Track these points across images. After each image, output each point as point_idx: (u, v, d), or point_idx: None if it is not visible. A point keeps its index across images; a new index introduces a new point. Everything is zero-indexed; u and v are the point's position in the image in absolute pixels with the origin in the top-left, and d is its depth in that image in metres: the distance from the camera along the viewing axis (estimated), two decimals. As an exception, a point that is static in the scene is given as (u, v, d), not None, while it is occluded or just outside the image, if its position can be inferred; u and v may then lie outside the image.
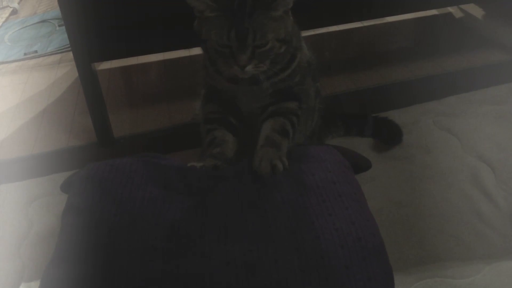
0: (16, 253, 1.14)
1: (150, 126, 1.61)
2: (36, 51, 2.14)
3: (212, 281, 0.79)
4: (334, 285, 0.79)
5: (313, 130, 1.27)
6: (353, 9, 1.51)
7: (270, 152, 0.99)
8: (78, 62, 1.37)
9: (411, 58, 1.89)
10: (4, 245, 1.17)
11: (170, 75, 1.96)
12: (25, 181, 1.37)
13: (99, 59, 1.52)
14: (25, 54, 2.13)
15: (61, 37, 2.22)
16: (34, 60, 2.10)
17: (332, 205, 0.89)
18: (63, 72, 1.98)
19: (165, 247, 0.83)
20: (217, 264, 0.81)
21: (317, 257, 0.81)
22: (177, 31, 1.35)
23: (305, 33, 1.08)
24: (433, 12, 2.19)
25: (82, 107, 1.65)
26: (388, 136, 1.42)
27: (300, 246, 0.82)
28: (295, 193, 0.92)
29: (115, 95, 1.79)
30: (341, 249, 0.82)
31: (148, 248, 0.83)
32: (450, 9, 2.21)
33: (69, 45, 1.36)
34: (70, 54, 1.40)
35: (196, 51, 1.05)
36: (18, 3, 2.70)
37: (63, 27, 1.59)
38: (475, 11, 2.17)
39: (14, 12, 2.63)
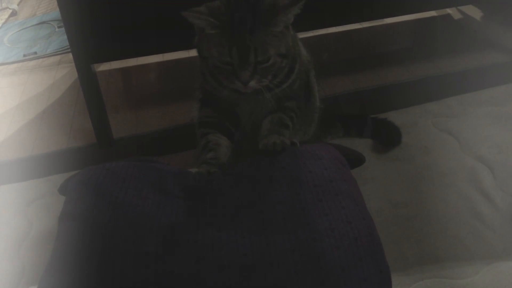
0: (15, 254, 1.14)
1: (149, 127, 1.61)
2: (35, 53, 2.14)
3: (207, 285, 0.79)
4: (330, 287, 0.79)
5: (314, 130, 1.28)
6: (352, 11, 1.51)
7: (274, 137, 1.01)
8: (77, 63, 1.37)
9: (410, 59, 1.90)
10: (3, 246, 1.17)
11: (169, 77, 1.96)
12: (25, 182, 1.37)
13: (98, 60, 1.52)
14: (24, 55, 2.13)
15: (60, 39, 2.22)
16: (33, 62, 2.10)
17: (328, 205, 0.89)
18: (62, 73, 1.98)
19: (160, 252, 0.82)
20: (212, 268, 0.80)
21: (313, 259, 0.81)
22: (176, 32, 1.35)
23: (305, 35, 1.09)
24: (432, 13, 2.20)
25: (81, 108, 1.65)
26: (388, 138, 1.42)
27: (296, 248, 0.82)
28: (291, 192, 0.91)
29: (114, 96, 1.79)
30: (337, 251, 0.81)
31: (143, 253, 0.82)
32: (448, 10, 2.22)
33: (68, 47, 1.37)
34: (70, 56, 1.41)
35: (195, 52, 1.05)
36: (18, 5, 2.70)
37: (63, 29, 1.59)
38: (474, 12, 2.18)
39: (14, 13, 2.63)
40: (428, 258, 1.07)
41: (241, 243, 0.83)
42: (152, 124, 1.62)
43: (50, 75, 1.98)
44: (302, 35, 1.12)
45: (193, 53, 1.06)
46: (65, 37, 1.34)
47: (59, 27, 2.36)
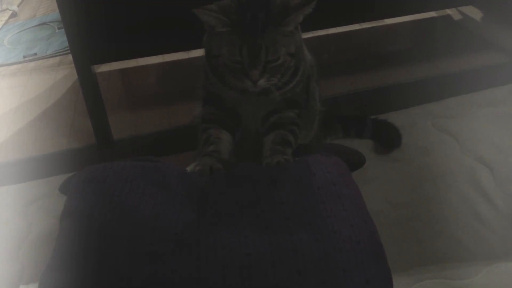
0: (15, 255, 1.14)
1: (149, 128, 1.61)
2: (35, 54, 2.14)
3: (209, 285, 0.79)
4: None
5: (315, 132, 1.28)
6: (352, 11, 1.52)
7: (278, 156, 1.02)
8: (77, 65, 1.37)
9: (409, 60, 1.90)
10: (3, 247, 1.17)
11: (169, 77, 1.96)
12: (24, 183, 1.37)
13: (98, 62, 1.52)
14: (24, 56, 2.13)
15: (60, 40, 2.22)
16: (33, 63, 2.10)
17: (331, 207, 0.89)
18: (62, 74, 1.99)
19: (161, 251, 0.83)
20: (214, 267, 0.80)
21: (315, 260, 0.81)
22: (176, 33, 1.35)
23: (305, 35, 1.09)
24: (432, 14, 2.20)
25: (81, 109, 1.65)
26: (388, 139, 1.42)
27: (298, 249, 0.82)
28: (294, 193, 0.91)
29: (114, 97, 1.79)
30: (339, 252, 0.81)
31: (145, 252, 0.82)
32: (448, 11, 2.22)
33: (68, 48, 1.37)
34: (70, 57, 1.41)
35: (195, 53, 1.06)
36: (18, 6, 2.70)
37: (63, 30, 1.59)
38: (474, 13, 2.18)
39: (14, 15, 2.63)
40: (428, 258, 1.07)
41: (243, 242, 0.83)
42: (152, 125, 1.62)
43: (50, 76, 1.98)
44: (303, 36, 1.12)
45: (192, 54, 1.06)
46: (65, 38, 1.34)
47: (59, 28, 2.36)
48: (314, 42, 2.02)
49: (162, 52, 1.61)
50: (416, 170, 1.32)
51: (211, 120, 1.11)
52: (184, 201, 0.93)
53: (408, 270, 1.04)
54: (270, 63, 0.96)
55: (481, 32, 2.07)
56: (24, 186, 1.36)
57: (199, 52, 1.12)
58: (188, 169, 1.03)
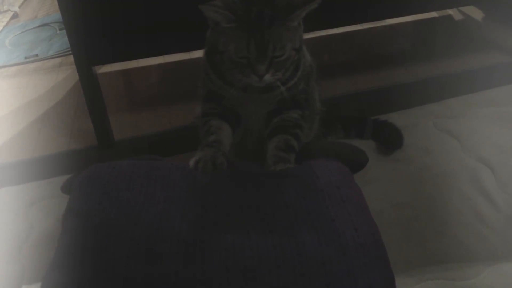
0: (16, 256, 1.14)
1: (150, 129, 1.61)
2: (36, 55, 2.15)
3: (212, 286, 0.79)
4: None
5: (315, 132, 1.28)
6: (353, 12, 1.52)
7: (280, 165, 1.02)
8: (78, 66, 1.38)
9: (410, 60, 1.90)
10: (4, 248, 1.17)
11: (170, 78, 1.96)
12: (26, 184, 1.37)
13: (99, 63, 1.53)
14: (25, 57, 2.13)
15: (61, 41, 2.23)
16: (34, 64, 2.10)
17: (335, 211, 0.89)
18: (63, 75, 1.99)
19: (165, 252, 0.82)
20: (217, 269, 0.80)
21: (319, 263, 0.80)
22: (177, 34, 1.35)
23: (305, 36, 1.09)
24: (433, 14, 2.20)
25: (82, 110, 1.65)
26: (389, 140, 1.42)
27: (302, 252, 0.82)
28: (298, 196, 0.91)
29: (115, 98, 1.79)
30: (343, 256, 0.81)
31: (148, 253, 0.82)
32: (449, 11, 2.22)
33: (69, 49, 1.37)
34: (71, 58, 1.41)
35: (196, 54, 1.06)
36: (19, 7, 2.71)
37: (64, 31, 1.59)
38: (475, 13, 2.18)
39: (15, 16, 2.64)
40: (429, 259, 1.07)
41: (247, 245, 0.83)
42: (153, 126, 1.62)
43: (51, 77, 1.98)
44: (303, 36, 1.12)
45: (193, 55, 1.06)
46: (66, 39, 1.34)
47: (60, 29, 2.36)
48: (315, 43, 2.02)
49: (163, 53, 1.61)
50: (417, 170, 1.32)
51: (212, 113, 1.11)
52: (188, 200, 0.92)
53: (409, 270, 1.04)
54: (276, 58, 0.97)
55: (482, 32, 2.07)
56: (26, 187, 1.36)
57: (200, 53, 1.12)
58: (191, 163, 1.02)
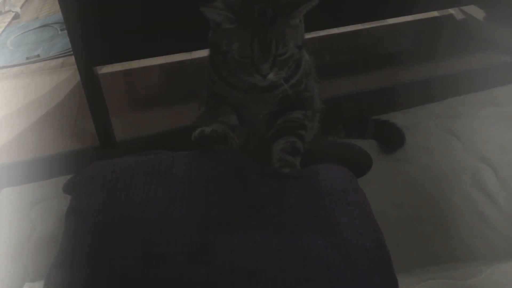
0: (18, 256, 1.15)
1: (152, 129, 1.61)
2: (38, 55, 2.15)
3: None
4: None
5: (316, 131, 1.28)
6: (354, 11, 1.51)
7: (287, 169, 1.02)
8: (80, 66, 1.38)
9: (412, 60, 1.89)
10: (7, 248, 1.17)
11: (172, 79, 1.96)
12: (28, 184, 1.37)
13: (100, 63, 1.53)
14: (27, 58, 2.14)
15: (63, 41, 2.23)
16: (36, 64, 2.10)
17: (340, 214, 0.88)
18: (65, 76, 1.99)
19: (169, 253, 0.82)
20: (222, 272, 0.80)
21: (323, 267, 0.80)
22: (179, 34, 1.35)
23: (307, 36, 1.09)
24: (434, 13, 2.19)
25: (84, 110, 1.66)
26: (391, 140, 1.42)
27: (307, 255, 0.81)
28: (304, 198, 0.91)
29: (117, 99, 1.80)
30: (347, 260, 0.81)
31: (153, 254, 0.82)
32: (451, 10, 2.21)
33: (71, 49, 1.37)
34: (72, 58, 1.41)
35: (198, 54, 1.05)
36: (20, 8, 2.71)
37: (65, 31, 1.59)
38: (476, 12, 2.17)
39: (16, 16, 2.64)
40: (431, 259, 1.07)
41: (252, 248, 0.83)
42: (154, 126, 1.62)
43: (53, 77, 1.98)
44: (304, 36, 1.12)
45: (195, 55, 1.06)
46: (68, 39, 1.35)
47: (61, 29, 2.36)
48: (316, 42, 2.02)
49: (164, 53, 1.61)
50: (418, 170, 1.32)
51: (217, 103, 1.10)
52: (191, 199, 0.92)
53: (411, 270, 1.04)
54: (279, 56, 0.97)
55: (483, 32, 2.07)
56: (28, 187, 1.36)
57: (201, 53, 1.12)
58: (196, 133, 0.99)
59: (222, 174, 0.97)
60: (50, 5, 2.73)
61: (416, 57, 1.91)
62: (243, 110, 1.11)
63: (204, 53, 1.12)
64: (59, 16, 2.45)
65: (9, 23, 2.56)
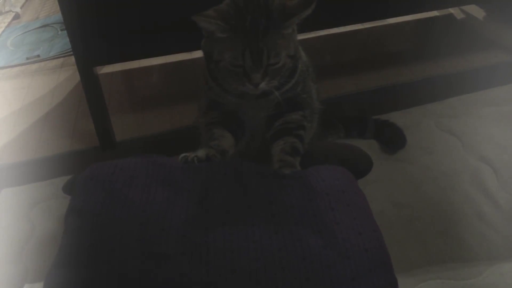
0: (18, 257, 1.15)
1: (152, 129, 1.61)
2: (38, 56, 2.15)
3: None
4: None
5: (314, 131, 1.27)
6: (354, 11, 1.51)
7: (287, 169, 1.01)
8: (79, 66, 1.38)
9: (412, 59, 1.89)
10: (6, 249, 1.17)
11: (172, 79, 1.96)
12: (28, 185, 1.37)
13: (100, 63, 1.53)
14: (27, 58, 2.14)
15: (63, 42, 2.23)
16: (36, 65, 2.10)
17: (340, 214, 0.88)
18: (65, 76, 1.99)
19: (168, 253, 0.82)
20: (221, 272, 0.80)
21: (323, 267, 0.80)
22: (178, 34, 1.35)
23: (306, 36, 1.09)
24: (434, 13, 2.19)
25: (84, 111, 1.66)
26: (392, 141, 1.41)
27: (307, 255, 0.81)
28: (304, 198, 0.91)
29: (117, 99, 1.80)
30: (347, 260, 0.81)
31: (153, 254, 0.82)
32: (451, 10, 2.21)
33: (71, 49, 1.37)
34: (72, 58, 1.41)
35: (198, 54, 1.05)
36: (21, 8, 2.71)
37: (65, 32, 1.59)
38: (476, 12, 2.17)
39: (17, 17, 2.64)
40: (431, 259, 1.07)
41: (252, 247, 0.83)
42: (154, 127, 1.62)
43: (53, 77, 1.98)
44: (304, 36, 1.12)
45: (195, 55, 1.06)
46: (68, 40, 1.35)
47: (61, 30, 2.36)
48: (316, 42, 2.02)
49: (164, 53, 1.61)
50: (419, 170, 1.32)
51: (215, 122, 1.11)
52: (191, 198, 0.92)
53: (411, 270, 1.04)
54: (271, 66, 0.96)
55: (484, 31, 2.06)
56: (27, 188, 1.36)
57: (201, 53, 1.12)
58: (181, 156, 1.01)
59: (222, 175, 0.97)
60: (50, 5, 2.73)
61: (416, 57, 1.91)
62: (242, 115, 1.11)
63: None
64: (59, 16, 2.45)
65: (9, 23, 2.56)
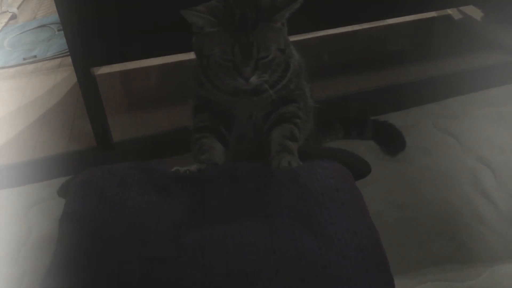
0: (15, 259, 1.14)
1: (149, 130, 1.61)
2: (35, 56, 2.14)
3: None
4: None
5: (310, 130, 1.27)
6: (352, 12, 1.51)
7: (287, 156, 1.02)
8: (76, 67, 1.37)
9: (410, 60, 1.89)
10: (3, 250, 1.16)
11: (169, 79, 1.96)
12: (25, 186, 1.37)
13: (97, 64, 1.52)
14: (24, 59, 2.13)
15: (60, 42, 2.22)
16: (33, 65, 2.10)
17: (335, 214, 0.88)
18: (62, 76, 1.98)
19: (164, 257, 0.82)
20: (219, 274, 0.80)
21: (319, 267, 0.80)
22: (176, 35, 1.35)
23: (305, 36, 1.09)
24: (432, 14, 2.19)
25: (81, 111, 1.65)
26: (392, 142, 1.41)
27: (302, 256, 0.81)
28: (298, 199, 0.91)
29: (114, 100, 1.79)
30: (343, 260, 0.81)
31: (147, 256, 0.82)
32: (449, 11, 2.21)
33: (68, 50, 1.37)
34: (70, 59, 1.41)
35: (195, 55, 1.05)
36: (17, 8, 2.70)
37: (62, 32, 1.59)
38: (474, 12, 2.17)
39: (13, 17, 2.63)
40: (429, 260, 1.06)
41: (247, 249, 0.83)
42: (152, 127, 1.62)
43: (50, 78, 1.98)
44: (303, 36, 1.12)
45: (193, 55, 1.06)
46: (65, 40, 1.34)
47: (58, 30, 2.36)
48: (314, 43, 2.02)
49: (161, 54, 1.60)
50: (417, 170, 1.31)
51: (204, 128, 1.11)
52: (186, 203, 0.92)
53: (409, 272, 1.04)
54: (262, 59, 0.97)
55: (481, 32, 2.07)
56: (24, 189, 1.36)
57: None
58: (173, 170, 1.02)
59: (217, 178, 0.97)
60: (47, 6, 2.72)
61: (414, 57, 1.91)
62: (234, 113, 1.11)
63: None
64: (56, 16, 2.44)
65: (6, 23, 2.55)
